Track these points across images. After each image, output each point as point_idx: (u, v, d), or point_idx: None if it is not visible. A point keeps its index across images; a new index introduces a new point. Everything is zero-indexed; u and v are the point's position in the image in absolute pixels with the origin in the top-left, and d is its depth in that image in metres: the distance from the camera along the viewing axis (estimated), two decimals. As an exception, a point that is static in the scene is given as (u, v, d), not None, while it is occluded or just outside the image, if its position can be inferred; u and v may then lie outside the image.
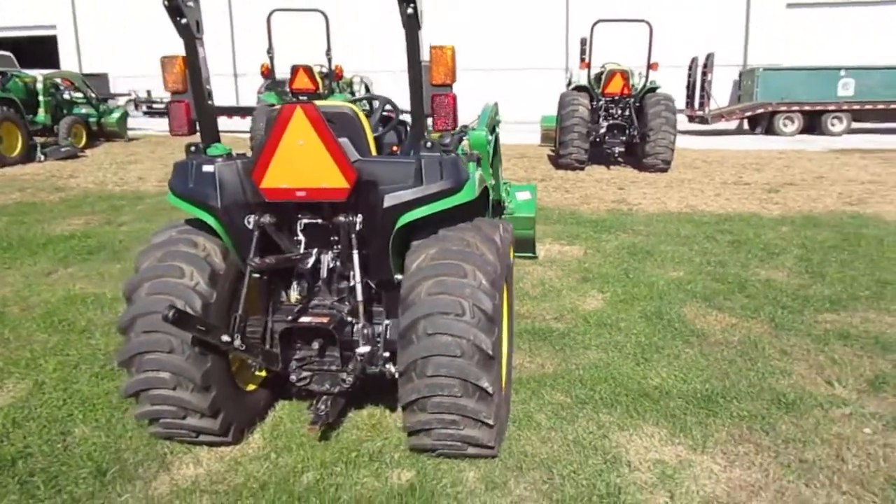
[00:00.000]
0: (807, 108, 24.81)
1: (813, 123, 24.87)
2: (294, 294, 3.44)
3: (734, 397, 3.99)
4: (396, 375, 3.15)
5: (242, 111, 21.23)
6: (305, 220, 3.26)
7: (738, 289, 6.02)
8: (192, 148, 3.30)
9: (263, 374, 3.73)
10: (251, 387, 3.69)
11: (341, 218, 3.16)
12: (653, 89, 13.43)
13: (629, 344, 4.77)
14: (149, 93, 26.36)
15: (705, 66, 21.20)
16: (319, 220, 3.26)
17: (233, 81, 38.67)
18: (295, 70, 13.36)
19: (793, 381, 4.22)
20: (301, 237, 3.27)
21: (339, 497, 3.06)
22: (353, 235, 3.15)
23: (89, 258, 7.21)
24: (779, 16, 33.39)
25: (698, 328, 5.09)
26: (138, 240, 7.93)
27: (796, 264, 6.84)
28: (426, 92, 3.11)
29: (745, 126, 26.62)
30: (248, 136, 14.83)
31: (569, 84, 14.89)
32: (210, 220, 3.23)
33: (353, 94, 16.04)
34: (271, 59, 12.29)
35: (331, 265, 3.34)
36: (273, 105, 12.93)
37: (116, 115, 18.07)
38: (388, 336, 3.41)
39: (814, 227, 8.61)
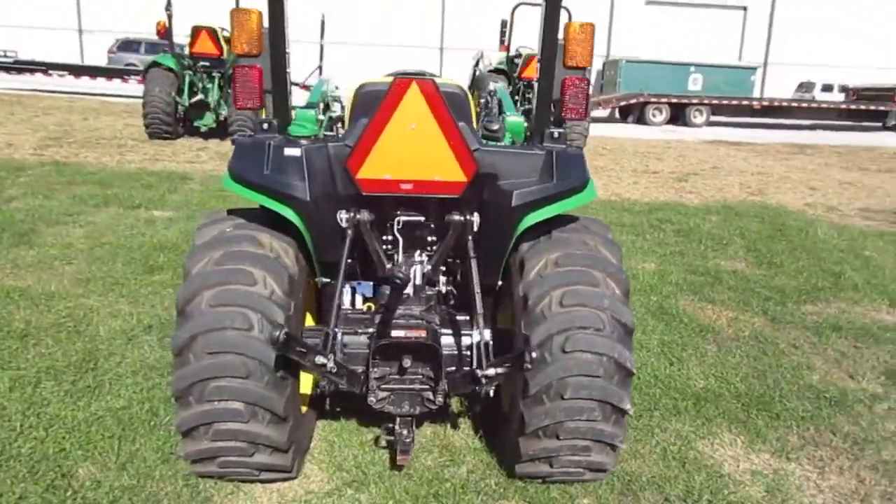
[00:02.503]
0: (674, 100, 26.41)
1: (677, 114, 26.56)
2: (372, 303, 2.94)
3: (782, 396, 3.96)
4: (503, 397, 2.76)
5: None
6: (405, 218, 2.76)
7: (715, 280, 6.10)
8: (265, 125, 2.68)
9: (308, 392, 3.18)
10: (304, 409, 3.13)
11: (455, 217, 2.70)
12: (565, 76, 13.53)
13: (653, 342, 4.64)
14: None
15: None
16: (422, 219, 2.78)
17: (77, 38, 35.03)
18: (196, 32, 12.05)
19: (821, 377, 4.27)
20: (399, 237, 2.76)
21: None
22: (470, 237, 2.70)
23: (-12, 244, 6.03)
24: (639, 11, 35.39)
25: (705, 323, 5.06)
26: (43, 219, 6.77)
27: (748, 255, 7.08)
28: (558, 75, 2.71)
29: (616, 115, 27.91)
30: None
31: (476, 65, 14.68)
32: (290, 215, 2.64)
33: None
34: (169, 17, 10.98)
35: (423, 270, 2.86)
36: (171, 70, 11.65)
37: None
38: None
39: (737, 217, 9.01)
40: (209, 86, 12.88)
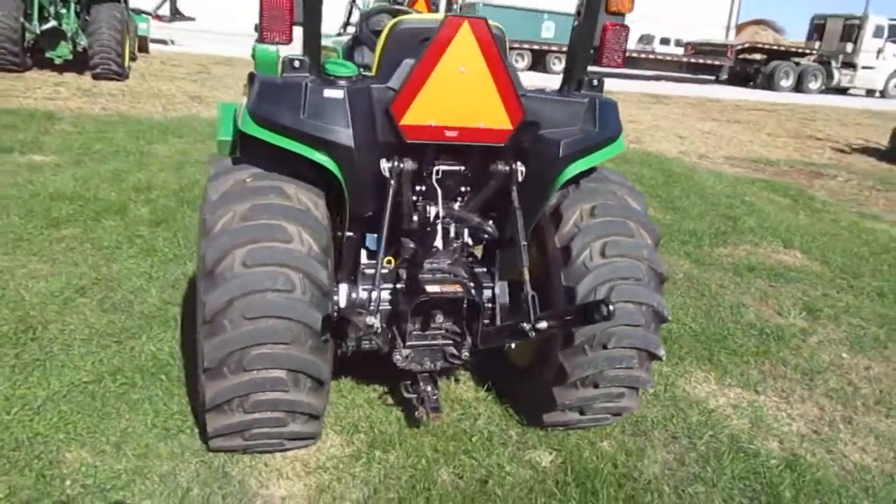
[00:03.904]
0: (535, 46, 27.03)
1: (537, 61, 27.28)
2: (392, 257, 2.79)
3: (731, 334, 4.27)
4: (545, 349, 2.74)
5: None
6: (443, 168, 2.61)
7: (634, 225, 6.40)
8: (295, 63, 2.39)
9: None
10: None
11: (499, 166, 2.58)
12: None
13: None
14: None
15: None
16: (460, 168, 2.64)
17: None
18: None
19: (756, 314, 4.65)
20: (436, 188, 2.61)
21: (507, 493, 2.63)
22: (514, 188, 2.60)
23: None
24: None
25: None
26: None
27: (653, 200, 7.47)
28: (600, 20, 2.63)
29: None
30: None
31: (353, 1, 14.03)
32: (329, 164, 2.41)
33: None
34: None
35: (454, 222, 2.73)
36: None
37: None
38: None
39: (629, 164, 9.46)
40: (63, 11, 11.35)
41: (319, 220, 2.46)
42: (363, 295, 2.80)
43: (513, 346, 2.89)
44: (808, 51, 29.75)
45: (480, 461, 2.79)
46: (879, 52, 29.00)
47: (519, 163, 2.59)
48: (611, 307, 2.20)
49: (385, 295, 2.83)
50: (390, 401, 3.13)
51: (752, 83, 29.79)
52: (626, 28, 2.66)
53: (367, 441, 2.87)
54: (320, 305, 2.38)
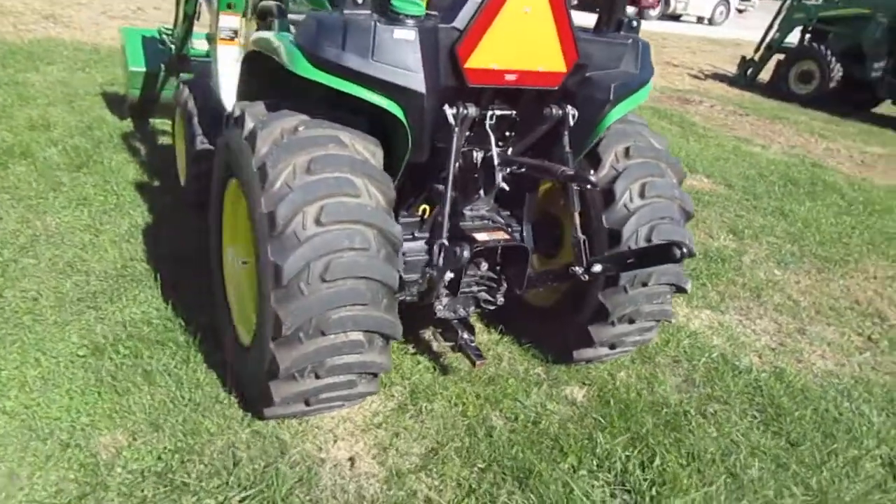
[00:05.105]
0: None
1: None
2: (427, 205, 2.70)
3: (680, 258, 4.59)
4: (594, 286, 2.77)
5: None
6: (497, 112, 2.52)
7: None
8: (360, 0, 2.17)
9: None
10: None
11: (553, 110, 2.53)
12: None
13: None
14: None
15: None
16: (512, 112, 2.56)
17: None
18: None
19: (694, 236, 5.01)
20: (490, 134, 2.52)
21: (559, 431, 2.72)
22: (567, 132, 2.57)
23: None
24: None
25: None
26: None
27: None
28: None
29: None
30: None
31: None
32: (396, 110, 2.24)
33: None
34: None
35: (501, 167, 2.66)
36: None
37: None
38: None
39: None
40: None
41: (381, 170, 2.31)
42: (415, 246, 2.69)
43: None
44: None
45: (523, 402, 2.85)
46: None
47: (569, 106, 2.56)
48: (684, 249, 2.28)
49: (422, 245, 2.74)
50: (412, 349, 3.09)
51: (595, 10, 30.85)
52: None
53: (406, 393, 2.83)
54: (393, 261, 2.27)
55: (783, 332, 3.84)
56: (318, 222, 2.12)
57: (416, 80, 2.21)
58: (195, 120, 3.83)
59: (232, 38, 3.62)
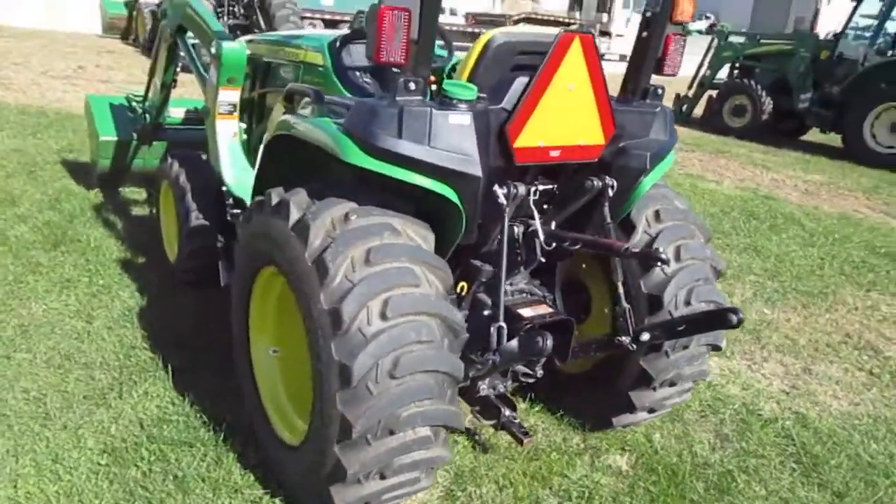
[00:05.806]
0: (327, 16, 26.37)
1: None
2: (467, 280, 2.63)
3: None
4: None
5: None
6: (542, 187, 2.49)
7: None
8: (411, 84, 2.11)
9: None
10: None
11: (594, 182, 2.52)
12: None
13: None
14: None
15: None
16: (552, 186, 2.54)
17: None
18: None
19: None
20: (534, 209, 2.48)
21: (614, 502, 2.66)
22: (607, 203, 2.57)
23: None
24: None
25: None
26: None
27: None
28: (666, 30, 2.62)
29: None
30: None
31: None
32: (451, 195, 2.18)
33: None
34: None
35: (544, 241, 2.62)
36: None
37: None
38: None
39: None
40: None
41: (436, 255, 2.24)
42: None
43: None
44: (573, 21, 32.40)
45: (571, 477, 2.78)
46: (628, 21, 32.51)
47: (608, 177, 2.56)
48: (741, 315, 2.29)
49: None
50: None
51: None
52: (685, 38, 2.70)
53: (451, 478, 2.72)
54: (457, 351, 2.19)
55: (791, 374, 3.91)
56: (382, 317, 2.02)
57: (472, 164, 2.16)
58: (188, 196, 3.67)
59: (231, 113, 3.51)
